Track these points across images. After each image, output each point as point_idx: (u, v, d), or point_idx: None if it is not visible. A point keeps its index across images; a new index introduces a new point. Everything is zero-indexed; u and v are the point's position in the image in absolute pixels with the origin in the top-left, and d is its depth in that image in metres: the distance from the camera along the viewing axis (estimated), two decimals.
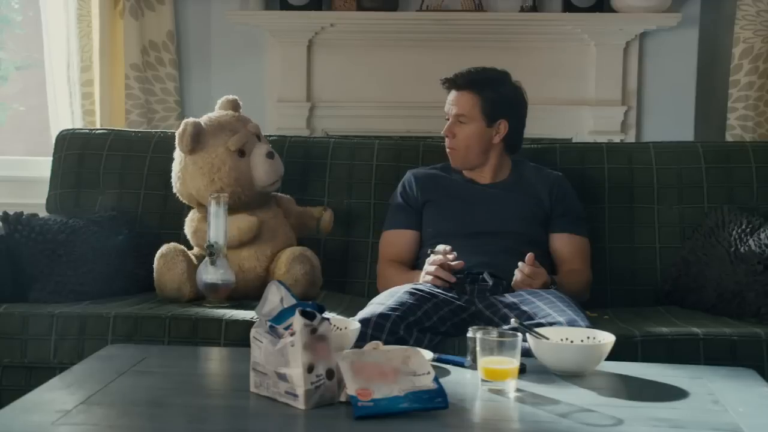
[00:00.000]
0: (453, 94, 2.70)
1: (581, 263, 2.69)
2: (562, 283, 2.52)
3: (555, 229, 2.70)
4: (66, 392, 1.74)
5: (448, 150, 2.72)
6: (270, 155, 2.71)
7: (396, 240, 2.74)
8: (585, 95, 3.90)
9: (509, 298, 2.43)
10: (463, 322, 2.33)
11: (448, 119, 2.71)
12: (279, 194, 2.83)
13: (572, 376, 1.89)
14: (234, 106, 2.82)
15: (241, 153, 2.69)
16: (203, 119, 2.74)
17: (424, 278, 2.49)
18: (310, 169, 2.99)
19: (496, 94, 2.67)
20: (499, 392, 1.76)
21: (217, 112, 2.80)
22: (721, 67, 3.87)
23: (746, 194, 2.88)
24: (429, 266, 2.49)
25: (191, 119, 2.70)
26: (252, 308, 2.07)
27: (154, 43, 3.89)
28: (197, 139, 2.67)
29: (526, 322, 2.10)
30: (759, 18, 3.74)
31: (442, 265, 2.46)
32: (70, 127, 3.68)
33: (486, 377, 1.78)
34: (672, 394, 1.80)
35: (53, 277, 2.55)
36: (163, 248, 2.63)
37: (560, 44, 3.89)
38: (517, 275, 2.45)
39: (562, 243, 2.68)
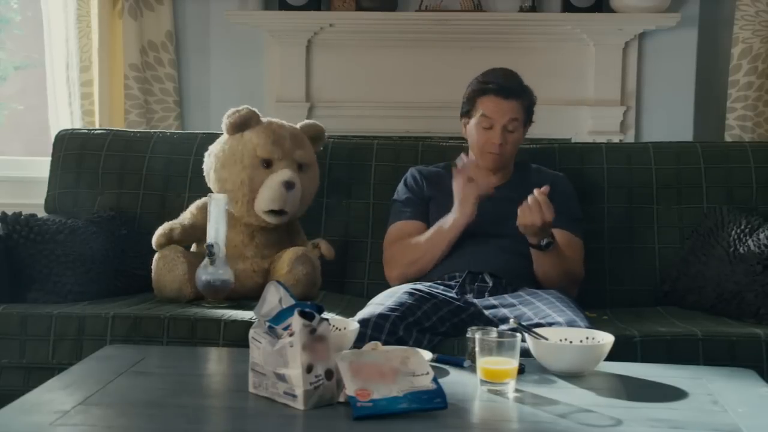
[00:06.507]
0: (500, 101, 2.64)
1: (576, 258, 2.67)
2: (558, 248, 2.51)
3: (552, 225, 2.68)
4: (64, 393, 1.73)
5: (491, 155, 2.66)
6: (288, 185, 2.63)
7: (404, 231, 2.69)
8: (584, 95, 3.90)
9: (508, 298, 2.43)
10: (463, 323, 2.33)
11: (489, 127, 2.65)
12: None
13: (571, 377, 1.88)
14: (306, 129, 2.78)
15: (267, 164, 2.66)
16: (269, 118, 2.74)
17: (464, 204, 2.51)
18: None
19: (531, 100, 2.70)
20: (498, 393, 1.76)
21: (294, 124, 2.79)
22: (720, 68, 3.87)
23: (745, 194, 2.88)
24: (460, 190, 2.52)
25: (251, 108, 2.71)
26: (251, 308, 2.07)
27: (153, 43, 3.89)
28: (243, 122, 2.66)
29: (525, 323, 2.10)
30: (758, 18, 3.74)
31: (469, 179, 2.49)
32: (69, 127, 3.68)
33: (485, 378, 1.77)
34: (671, 394, 1.79)
35: (52, 278, 2.55)
36: (163, 249, 2.62)
37: (559, 44, 3.89)
38: (529, 200, 2.39)
39: (560, 239, 2.66)
